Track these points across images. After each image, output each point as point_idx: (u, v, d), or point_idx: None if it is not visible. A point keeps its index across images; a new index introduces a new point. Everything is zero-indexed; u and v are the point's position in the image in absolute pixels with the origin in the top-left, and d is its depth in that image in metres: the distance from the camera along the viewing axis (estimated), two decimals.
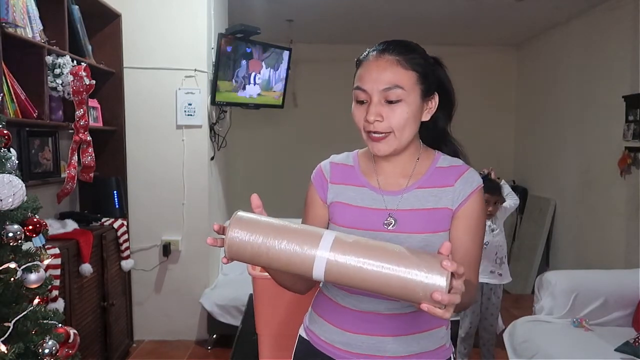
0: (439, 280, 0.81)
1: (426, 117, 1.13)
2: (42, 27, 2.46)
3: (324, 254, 0.86)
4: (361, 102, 1.09)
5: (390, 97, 1.05)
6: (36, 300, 1.55)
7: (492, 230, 2.89)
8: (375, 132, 1.08)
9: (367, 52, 1.13)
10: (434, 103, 1.14)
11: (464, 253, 1.09)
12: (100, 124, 3.15)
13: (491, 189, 2.90)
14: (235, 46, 3.51)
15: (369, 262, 0.84)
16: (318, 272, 0.87)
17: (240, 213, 0.92)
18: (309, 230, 0.90)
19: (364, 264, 0.85)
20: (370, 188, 1.15)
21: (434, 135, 1.22)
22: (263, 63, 3.74)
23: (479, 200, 1.12)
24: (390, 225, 1.10)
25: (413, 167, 1.15)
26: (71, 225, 2.70)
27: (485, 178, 3.02)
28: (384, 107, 1.06)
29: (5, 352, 1.38)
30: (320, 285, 1.25)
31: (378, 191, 1.14)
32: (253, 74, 3.69)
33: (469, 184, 1.12)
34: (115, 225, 3.00)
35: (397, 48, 1.08)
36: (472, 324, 2.90)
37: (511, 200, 2.98)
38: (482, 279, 2.87)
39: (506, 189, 3.01)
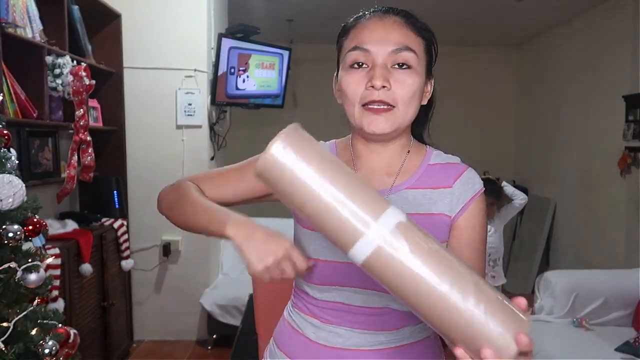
0: (511, 346, 0.61)
1: (424, 101, 0.94)
2: (42, 27, 2.46)
3: (383, 230, 0.64)
4: (358, 66, 0.89)
5: (400, 59, 0.86)
6: (36, 300, 1.55)
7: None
8: (377, 103, 0.86)
9: (361, 14, 0.94)
10: (430, 87, 0.96)
11: None
12: (100, 124, 3.15)
13: (491, 192, 2.89)
14: (235, 46, 3.51)
15: (439, 276, 0.63)
16: (361, 250, 0.64)
17: (300, 127, 0.68)
18: (373, 192, 0.68)
19: (430, 277, 0.63)
20: None
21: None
22: (263, 63, 3.74)
23: (481, 207, 0.93)
24: None
25: (402, 163, 0.94)
26: (71, 225, 2.70)
27: (485, 180, 3.02)
28: (390, 74, 0.87)
29: (6, 352, 1.38)
30: (287, 309, 1.03)
31: None
32: (252, 73, 3.69)
33: (469, 186, 0.92)
34: (115, 225, 3.00)
35: (402, 11, 0.92)
36: None
37: (518, 200, 2.96)
38: None
39: (509, 189, 2.99)
